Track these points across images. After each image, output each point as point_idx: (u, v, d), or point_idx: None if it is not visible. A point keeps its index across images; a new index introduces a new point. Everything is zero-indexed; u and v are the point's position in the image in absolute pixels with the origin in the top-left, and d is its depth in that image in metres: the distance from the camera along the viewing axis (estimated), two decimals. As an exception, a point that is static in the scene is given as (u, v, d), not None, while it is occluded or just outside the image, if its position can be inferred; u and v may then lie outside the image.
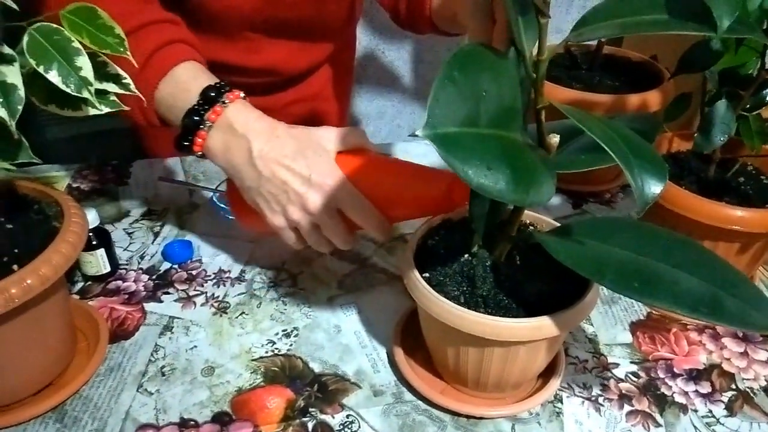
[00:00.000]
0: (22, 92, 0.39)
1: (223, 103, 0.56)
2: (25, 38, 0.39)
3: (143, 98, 0.48)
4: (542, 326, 0.46)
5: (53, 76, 0.39)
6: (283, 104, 0.91)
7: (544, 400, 0.54)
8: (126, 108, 0.46)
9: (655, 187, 0.36)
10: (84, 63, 0.40)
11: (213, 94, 0.56)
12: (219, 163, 0.58)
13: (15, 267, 0.47)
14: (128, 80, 0.45)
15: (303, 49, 0.86)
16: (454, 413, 0.54)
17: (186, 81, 0.57)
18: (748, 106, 0.60)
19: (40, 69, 0.39)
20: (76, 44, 0.40)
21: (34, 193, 0.56)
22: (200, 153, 0.58)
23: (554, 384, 0.55)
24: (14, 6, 0.35)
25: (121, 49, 0.42)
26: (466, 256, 0.52)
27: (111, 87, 0.44)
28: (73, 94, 0.40)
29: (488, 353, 0.48)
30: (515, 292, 0.49)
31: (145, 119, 0.59)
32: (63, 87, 0.40)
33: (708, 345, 0.62)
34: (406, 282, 0.51)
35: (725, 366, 0.60)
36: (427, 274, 0.51)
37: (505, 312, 0.48)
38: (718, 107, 0.58)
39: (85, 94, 0.40)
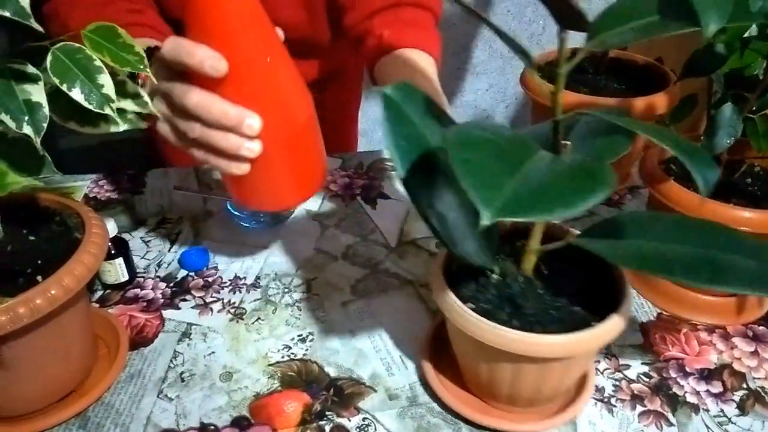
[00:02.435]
0: (46, 110, 0.40)
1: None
2: (49, 57, 0.41)
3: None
4: (581, 341, 0.45)
5: (76, 94, 0.41)
6: None
7: (574, 415, 0.54)
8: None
9: (713, 175, 0.37)
10: (106, 81, 0.41)
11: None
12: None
13: (39, 278, 0.49)
14: (146, 98, 0.46)
15: (302, 67, 0.89)
16: (486, 428, 0.53)
17: None
18: (754, 108, 0.61)
19: (64, 87, 0.41)
20: (98, 62, 0.42)
21: (55, 204, 0.58)
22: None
23: (585, 396, 0.54)
24: (39, 28, 0.36)
25: (141, 67, 0.43)
26: (495, 270, 0.51)
27: (129, 105, 0.45)
28: (95, 110, 0.41)
29: (523, 369, 0.48)
30: (548, 304, 0.49)
31: None
32: (86, 104, 0.41)
33: (718, 345, 0.63)
34: (438, 299, 0.49)
35: (736, 365, 0.60)
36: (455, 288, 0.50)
37: (540, 326, 0.47)
38: (723, 110, 0.59)
39: (107, 111, 0.41)
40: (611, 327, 0.46)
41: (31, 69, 0.40)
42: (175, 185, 0.85)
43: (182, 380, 0.58)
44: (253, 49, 0.50)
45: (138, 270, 0.71)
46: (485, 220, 0.31)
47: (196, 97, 0.49)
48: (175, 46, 0.49)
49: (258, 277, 0.71)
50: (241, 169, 0.54)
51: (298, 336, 0.63)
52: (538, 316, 0.48)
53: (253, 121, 0.51)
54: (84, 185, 0.86)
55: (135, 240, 0.76)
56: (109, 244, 0.65)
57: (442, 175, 0.46)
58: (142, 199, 0.84)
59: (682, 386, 0.58)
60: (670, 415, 0.55)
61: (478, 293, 0.51)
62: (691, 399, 0.57)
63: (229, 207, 0.78)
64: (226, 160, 0.53)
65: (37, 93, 0.40)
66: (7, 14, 0.34)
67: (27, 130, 0.39)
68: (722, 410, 0.56)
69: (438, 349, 0.59)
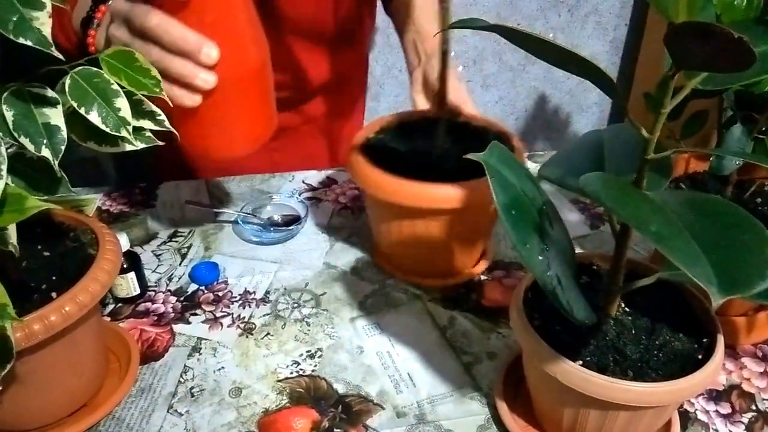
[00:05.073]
0: (64, 133, 0.41)
1: (107, 2, 0.59)
2: (67, 81, 0.42)
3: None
4: (677, 390, 0.44)
5: (93, 117, 0.42)
6: (301, 122, 0.95)
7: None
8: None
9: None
10: (122, 104, 0.42)
11: None
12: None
13: (54, 294, 0.50)
14: (162, 117, 0.47)
15: (307, 72, 0.90)
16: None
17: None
18: (763, 128, 0.61)
19: (81, 110, 0.42)
20: (115, 86, 0.42)
21: (69, 221, 0.58)
22: (93, 50, 0.60)
23: None
24: (60, 56, 0.37)
25: (157, 90, 0.44)
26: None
27: (147, 124, 0.46)
28: (111, 133, 0.42)
29: (612, 416, 0.46)
30: (644, 345, 0.48)
31: (73, 48, 0.63)
32: (103, 127, 0.42)
33: (727, 365, 0.62)
34: (524, 345, 0.48)
35: (745, 386, 0.60)
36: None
37: (652, 371, 0.46)
38: (733, 131, 0.59)
39: (123, 133, 0.42)
40: (714, 368, 0.45)
41: (50, 93, 0.41)
42: (187, 200, 0.86)
43: (192, 395, 0.59)
44: None
45: (149, 284, 0.72)
46: (718, 299, 0.29)
47: (156, 18, 0.50)
48: None
49: (267, 292, 0.71)
50: (194, 100, 0.54)
51: (307, 352, 0.63)
52: (644, 361, 0.46)
53: (211, 50, 0.51)
54: (97, 198, 0.87)
55: (146, 253, 0.77)
56: (122, 258, 0.66)
57: (546, 235, 0.44)
58: (153, 212, 0.85)
59: (693, 403, 0.58)
60: (679, 435, 0.55)
61: (570, 339, 0.48)
62: (702, 417, 0.57)
63: (239, 221, 0.79)
64: (180, 89, 0.53)
65: (56, 116, 0.41)
66: (29, 43, 0.35)
67: (45, 152, 0.40)
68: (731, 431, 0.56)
69: (506, 383, 0.58)
